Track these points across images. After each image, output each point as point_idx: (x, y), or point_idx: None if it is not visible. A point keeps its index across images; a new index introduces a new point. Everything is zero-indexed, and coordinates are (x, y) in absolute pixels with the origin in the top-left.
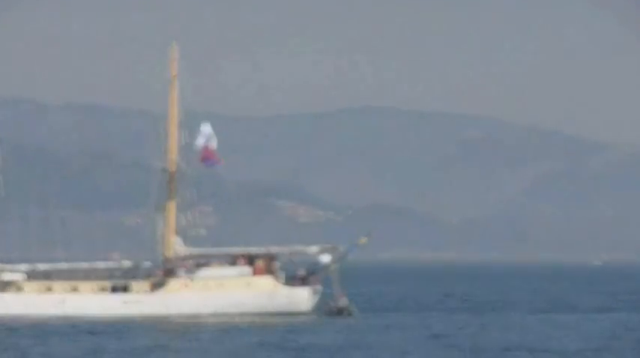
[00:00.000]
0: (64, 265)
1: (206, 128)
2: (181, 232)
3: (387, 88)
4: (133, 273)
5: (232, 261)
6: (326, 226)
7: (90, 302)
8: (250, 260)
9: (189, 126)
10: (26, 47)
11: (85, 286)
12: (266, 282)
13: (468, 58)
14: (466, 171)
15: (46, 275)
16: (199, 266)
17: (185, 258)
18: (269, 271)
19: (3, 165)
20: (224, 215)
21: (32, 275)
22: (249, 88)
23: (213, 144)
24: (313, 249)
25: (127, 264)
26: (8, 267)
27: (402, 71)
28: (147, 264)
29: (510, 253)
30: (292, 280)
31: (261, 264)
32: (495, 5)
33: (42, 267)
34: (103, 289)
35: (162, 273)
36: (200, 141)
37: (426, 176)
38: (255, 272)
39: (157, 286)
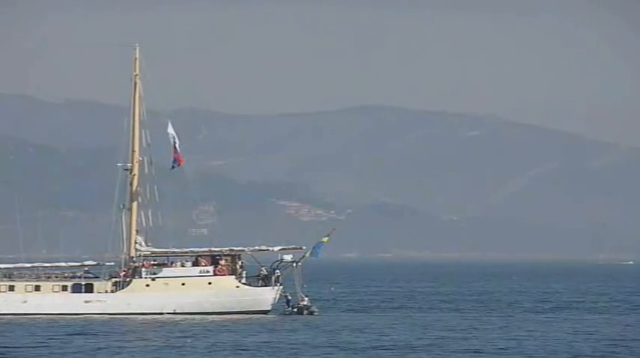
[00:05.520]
0: (25, 265)
1: (170, 129)
2: (143, 231)
3: (387, 88)
4: (96, 273)
5: (195, 260)
6: (327, 225)
7: (51, 301)
8: (213, 259)
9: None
10: (25, 45)
11: (46, 286)
12: (228, 282)
13: (468, 57)
14: (466, 171)
15: (8, 275)
16: (161, 265)
17: (147, 258)
18: (231, 271)
19: None
20: (225, 214)
21: None
22: (249, 88)
23: (177, 145)
24: (276, 248)
25: (89, 263)
26: None
27: (403, 71)
28: (110, 263)
29: (510, 253)
30: (254, 279)
31: (223, 263)
32: (495, 6)
33: (3, 266)
34: (64, 288)
35: (125, 273)
36: (171, 140)
37: (426, 176)
38: (218, 272)
39: (119, 285)
